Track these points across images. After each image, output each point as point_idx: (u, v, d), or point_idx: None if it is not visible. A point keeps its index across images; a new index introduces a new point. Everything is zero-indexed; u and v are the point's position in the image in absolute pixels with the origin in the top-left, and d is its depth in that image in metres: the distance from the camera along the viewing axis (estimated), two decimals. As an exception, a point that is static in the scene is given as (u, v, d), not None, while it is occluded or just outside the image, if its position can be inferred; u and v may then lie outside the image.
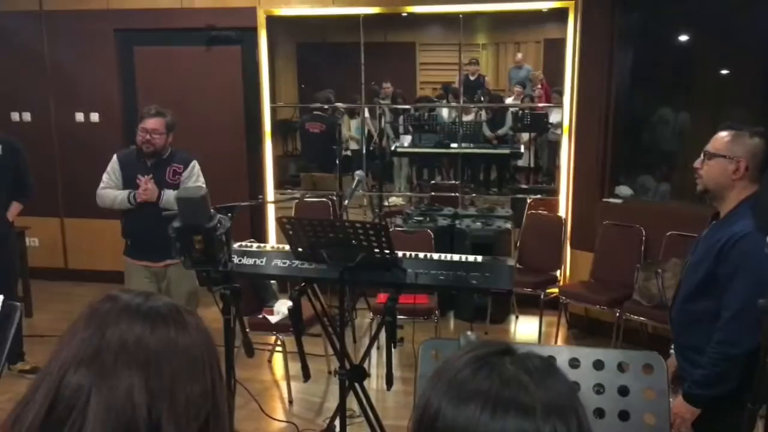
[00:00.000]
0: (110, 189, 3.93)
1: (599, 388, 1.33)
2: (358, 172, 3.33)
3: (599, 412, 1.31)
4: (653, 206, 4.90)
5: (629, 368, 1.33)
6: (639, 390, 1.31)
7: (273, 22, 5.76)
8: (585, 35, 4.82)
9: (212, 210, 1.83)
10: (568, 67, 5.09)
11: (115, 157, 4.02)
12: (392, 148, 7.98)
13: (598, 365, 1.33)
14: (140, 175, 3.79)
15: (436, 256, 3.04)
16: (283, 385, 4.13)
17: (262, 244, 3.22)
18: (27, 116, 5.97)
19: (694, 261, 2.23)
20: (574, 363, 1.34)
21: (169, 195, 3.80)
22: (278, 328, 4.03)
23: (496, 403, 0.71)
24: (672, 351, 2.35)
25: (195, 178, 3.95)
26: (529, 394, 0.71)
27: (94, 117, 5.89)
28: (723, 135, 2.15)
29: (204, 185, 3.96)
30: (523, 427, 0.69)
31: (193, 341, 0.81)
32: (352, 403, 3.13)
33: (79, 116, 5.90)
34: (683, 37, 6.06)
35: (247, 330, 4.00)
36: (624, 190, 4.93)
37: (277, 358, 4.48)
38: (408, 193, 7.63)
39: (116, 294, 0.83)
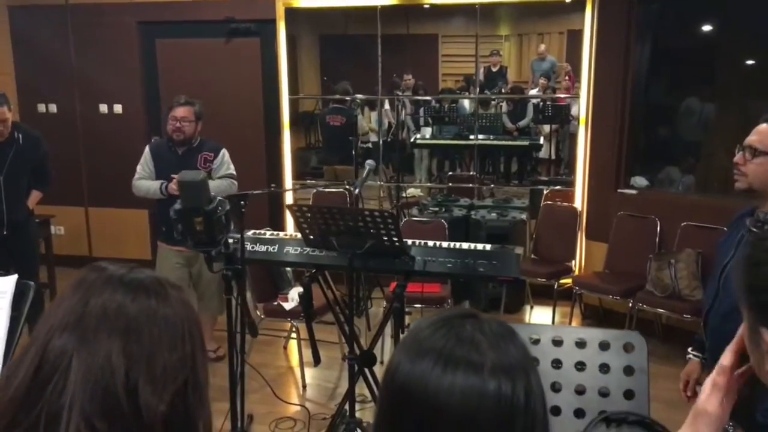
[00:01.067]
0: (144, 180, 4.07)
1: (581, 366, 1.37)
2: (369, 162, 3.38)
3: (580, 388, 1.35)
4: (668, 197, 4.88)
5: (610, 347, 1.36)
6: (619, 368, 1.34)
7: (292, 14, 5.83)
8: (602, 26, 4.79)
9: (214, 194, 1.89)
10: (585, 59, 5.07)
11: (147, 148, 4.18)
12: (412, 140, 8.01)
13: (581, 344, 1.37)
14: (172, 165, 3.88)
15: (445, 244, 3.08)
16: (297, 370, 4.21)
17: (276, 232, 3.30)
18: (53, 108, 6.12)
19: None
20: (557, 341, 1.38)
21: None
22: (292, 314, 4.10)
23: (448, 359, 0.76)
24: (690, 357, 2.22)
25: (226, 165, 4.09)
26: (481, 353, 0.76)
27: (118, 108, 6.02)
28: None
29: (234, 172, 4.11)
30: (470, 382, 0.74)
31: (174, 312, 0.85)
32: (362, 388, 3.19)
33: (103, 108, 6.03)
34: (705, 27, 5.99)
35: (259, 313, 4.13)
36: (640, 181, 4.90)
37: (292, 345, 4.56)
38: (425, 184, 7.66)
39: (103, 265, 0.89)
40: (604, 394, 1.32)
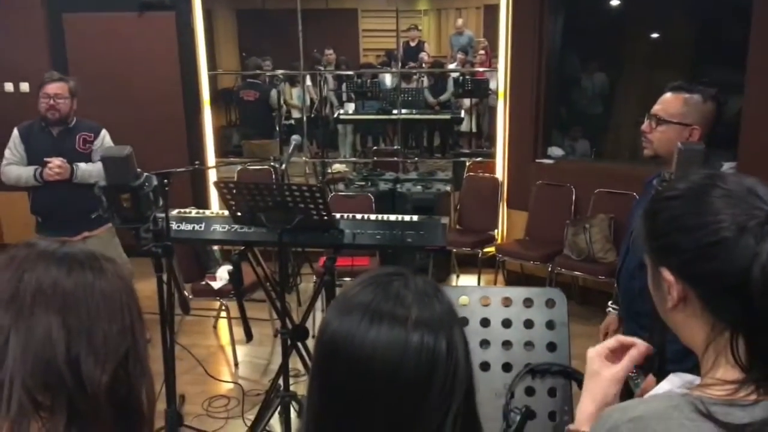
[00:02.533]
0: (14, 165, 3.74)
1: (507, 322, 1.45)
2: (295, 137, 3.38)
3: (507, 343, 1.43)
4: (582, 165, 5.12)
5: (533, 304, 1.45)
6: (542, 323, 1.44)
7: (208, -13, 5.68)
8: (517, 1, 4.93)
9: (139, 170, 1.86)
10: (501, 33, 5.20)
11: (15, 130, 3.83)
12: (335, 116, 8.01)
13: (507, 302, 1.45)
14: (46, 148, 3.63)
15: (373, 217, 3.13)
16: (229, 349, 4.19)
17: (202, 211, 3.25)
18: (-47, 87, 5.75)
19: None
20: (485, 301, 1.46)
21: (84, 168, 3.69)
22: (221, 293, 4.07)
23: (374, 313, 0.80)
24: (610, 309, 2.34)
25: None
26: (405, 308, 0.80)
27: (24, 87, 5.71)
28: (674, 98, 2.01)
29: None
30: (393, 334, 0.78)
31: (111, 285, 0.86)
32: (296, 362, 3.23)
33: (8, 86, 5.71)
34: (613, 1, 6.25)
35: (187, 293, 4.08)
36: (556, 151, 5.12)
37: (222, 324, 4.53)
38: (351, 159, 7.69)
39: (34, 241, 0.88)
40: (529, 347, 1.41)
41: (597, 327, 2.41)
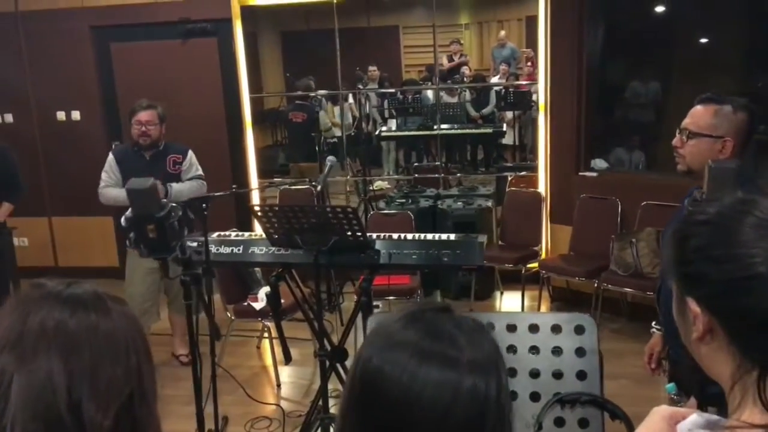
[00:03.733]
0: (110, 187, 4.01)
1: (534, 350, 1.40)
2: (330, 158, 3.39)
3: (535, 373, 1.38)
4: (628, 177, 4.98)
5: (562, 330, 1.40)
6: (571, 350, 1.38)
7: (250, 11, 5.79)
8: (555, 10, 4.85)
9: (165, 201, 1.89)
10: (541, 44, 5.13)
11: (111, 154, 4.11)
12: (377, 133, 8.03)
13: (533, 329, 1.40)
14: (141, 170, 3.76)
15: (410, 236, 3.11)
16: (271, 369, 4.22)
17: (241, 233, 3.29)
18: (9, 117, 6.01)
19: None
20: (511, 328, 1.42)
21: (177, 189, 3.95)
22: (263, 314, 4.10)
23: (423, 352, 0.76)
24: (654, 330, 2.26)
25: (195, 167, 4.10)
26: (458, 349, 0.77)
27: (76, 115, 5.92)
28: (704, 110, 1.96)
29: (202, 173, 4.12)
30: (446, 376, 0.75)
31: (115, 326, 0.85)
32: (336, 383, 3.21)
33: (61, 115, 5.93)
34: (657, 8, 6.10)
35: (229, 314, 4.13)
36: (600, 163, 4.99)
37: (266, 345, 4.56)
38: (392, 176, 7.68)
39: (41, 281, 0.88)
40: (557, 376, 1.36)
41: (646, 344, 2.31)
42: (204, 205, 2.91)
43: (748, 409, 0.77)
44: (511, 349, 1.41)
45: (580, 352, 1.38)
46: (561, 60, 4.85)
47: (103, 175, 4.04)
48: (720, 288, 0.78)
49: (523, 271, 4.82)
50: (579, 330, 1.40)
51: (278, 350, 4.10)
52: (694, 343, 0.84)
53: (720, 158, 1.89)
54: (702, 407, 1.63)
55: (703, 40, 6.20)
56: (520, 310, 4.91)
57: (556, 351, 1.39)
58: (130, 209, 1.74)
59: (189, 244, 3.00)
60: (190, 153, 4.10)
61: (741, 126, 1.93)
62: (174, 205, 1.86)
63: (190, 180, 4.05)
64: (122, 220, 1.83)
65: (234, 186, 3.27)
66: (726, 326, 0.79)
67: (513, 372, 1.40)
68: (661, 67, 6.07)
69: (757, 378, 0.76)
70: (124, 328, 0.87)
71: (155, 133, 3.95)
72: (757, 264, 0.75)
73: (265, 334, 4.45)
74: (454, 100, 8.09)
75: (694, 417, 0.87)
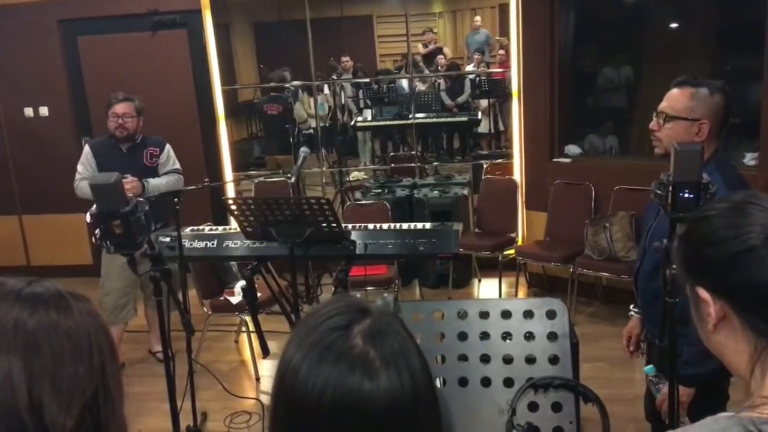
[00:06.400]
0: (86, 180, 3.85)
1: (507, 336, 1.41)
2: (303, 149, 3.36)
3: (508, 358, 1.39)
4: (600, 162, 5.02)
5: (534, 315, 1.40)
6: (543, 335, 1.39)
7: (220, 2, 5.71)
8: (527, -3, 4.86)
9: (131, 195, 1.86)
10: (513, 32, 5.14)
11: (86, 146, 4.04)
12: (352, 123, 8.00)
13: (506, 315, 1.41)
14: (118, 163, 3.72)
15: (385, 226, 3.10)
16: (250, 363, 4.19)
17: (215, 227, 3.26)
18: (-25, 115, 5.88)
19: (659, 226, 1.97)
20: (484, 315, 1.42)
21: (154, 183, 3.89)
22: (239, 308, 4.07)
23: (324, 350, 0.77)
24: (632, 313, 2.24)
25: (172, 160, 4.04)
26: (372, 377, 0.76)
27: (44, 111, 5.81)
28: (680, 93, 1.97)
29: (179, 167, 4.07)
30: (347, 379, 0.75)
31: (77, 324, 0.83)
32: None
33: (28, 111, 5.81)
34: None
35: (206, 309, 4.10)
36: (573, 149, 5.02)
37: (244, 339, 4.53)
38: (369, 167, 7.66)
39: (2, 280, 0.86)
40: (530, 361, 1.37)
41: (622, 328, 2.33)
42: (176, 199, 2.88)
43: None
44: (485, 335, 1.41)
45: (552, 336, 1.39)
46: (533, 47, 4.86)
47: (79, 168, 3.98)
48: (722, 268, 0.82)
49: (500, 258, 4.84)
50: (551, 315, 1.40)
51: (257, 344, 4.08)
52: (711, 335, 0.86)
53: (696, 140, 1.91)
54: (674, 388, 1.65)
55: (674, 26, 6.26)
56: (497, 296, 4.94)
57: (529, 336, 1.40)
58: (95, 205, 1.71)
59: (162, 239, 2.97)
60: (168, 146, 4.05)
61: (717, 108, 1.94)
62: (140, 200, 1.83)
63: (167, 174, 4.00)
64: (87, 216, 1.80)
65: (206, 180, 3.22)
66: (736, 307, 0.82)
67: (487, 358, 1.40)
68: (633, 53, 6.12)
69: None
70: (87, 327, 0.84)
71: (132, 125, 3.89)
72: (751, 238, 0.80)
73: (243, 328, 4.43)
74: (427, 87, 8.08)
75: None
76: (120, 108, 3.87)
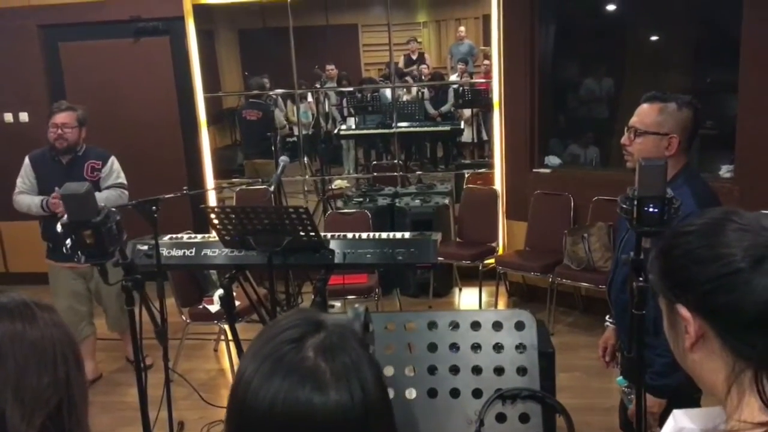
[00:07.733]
0: (25, 194, 3.82)
1: (476, 348, 1.42)
2: (283, 158, 3.37)
3: (477, 369, 1.40)
4: (580, 173, 5.06)
5: (503, 327, 1.42)
6: (512, 346, 1.40)
7: (204, 10, 5.72)
8: (508, 9, 4.91)
9: (104, 205, 1.85)
10: (494, 42, 5.18)
11: (27, 159, 3.89)
12: (335, 131, 8.01)
13: (475, 326, 1.42)
14: (56, 176, 3.63)
15: (364, 235, 3.11)
16: (229, 373, 4.17)
17: (194, 235, 3.25)
18: (-47, 120, 5.82)
19: (630, 238, 1.96)
20: (454, 326, 1.43)
21: None
22: (218, 316, 4.06)
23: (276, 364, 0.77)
24: (607, 324, 2.30)
25: (115, 174, 3.88)
26: (322, 390, 0.76)
27: (24, 117, 5.77)
28: (649, 108, 2.00)
29: (125, 181, 3.91)
30: (300, 395, 0.75)
31: (42, 335, 0.83)
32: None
33: (8, 116, 5.77)
34: (610, 6, 6.22)
35: (184, 317, 4.07)
36: (553, 159, 5.07)
37: (223, 348, 4.51)
38: (352, 175, 7.68)
39: None
40: (499, 372, 1.38)
41: (600, 338, 2.36)
42: (154, 207, 2.86)
43: (747, 409, 0.78)
44: (454, 346, 1.42)
45: (520, 347, 1.40)
46: (514, 58, 4.91)
47: (18, 181, 3.83)
48: (706, 288, 0.80)
49: (480, 268, 4.86)
50: (519, 326, 1.42)
51: (235, 353, 4.06)
52: (687, 352, 0.85)
53: (666, 154, 1.94)
54: (641, 398, 1.67)
55: (654, 38, 6.35)
56: (478, 306, 4.96)
57: (498, 347, 1.41)
58: (66, 215, 1.70)
59: (140, 247, 2.96)
60: (112, 159, 3.87)
61: (686, 122, 1.97)
62: (112, 209, 1.82)
63: (108, 188, 3.83)
64: (58, 226, 1.79)
65: (185, 188, 3.21)
66: (716, 327, 0.81)
67: (456, 369, 1.41)
68: (614, 65, 6.20)
69: (753, 376, 0.78)
70: (53, 337, 0.85)
71: (72, 136, 3.72)
72: (737, 260, 0.78)
73: (222, 337, 4.41)
74: (411, 96, 8.12)
75: (678, 415, 0.87)
76: (60, 118, 3.71)
